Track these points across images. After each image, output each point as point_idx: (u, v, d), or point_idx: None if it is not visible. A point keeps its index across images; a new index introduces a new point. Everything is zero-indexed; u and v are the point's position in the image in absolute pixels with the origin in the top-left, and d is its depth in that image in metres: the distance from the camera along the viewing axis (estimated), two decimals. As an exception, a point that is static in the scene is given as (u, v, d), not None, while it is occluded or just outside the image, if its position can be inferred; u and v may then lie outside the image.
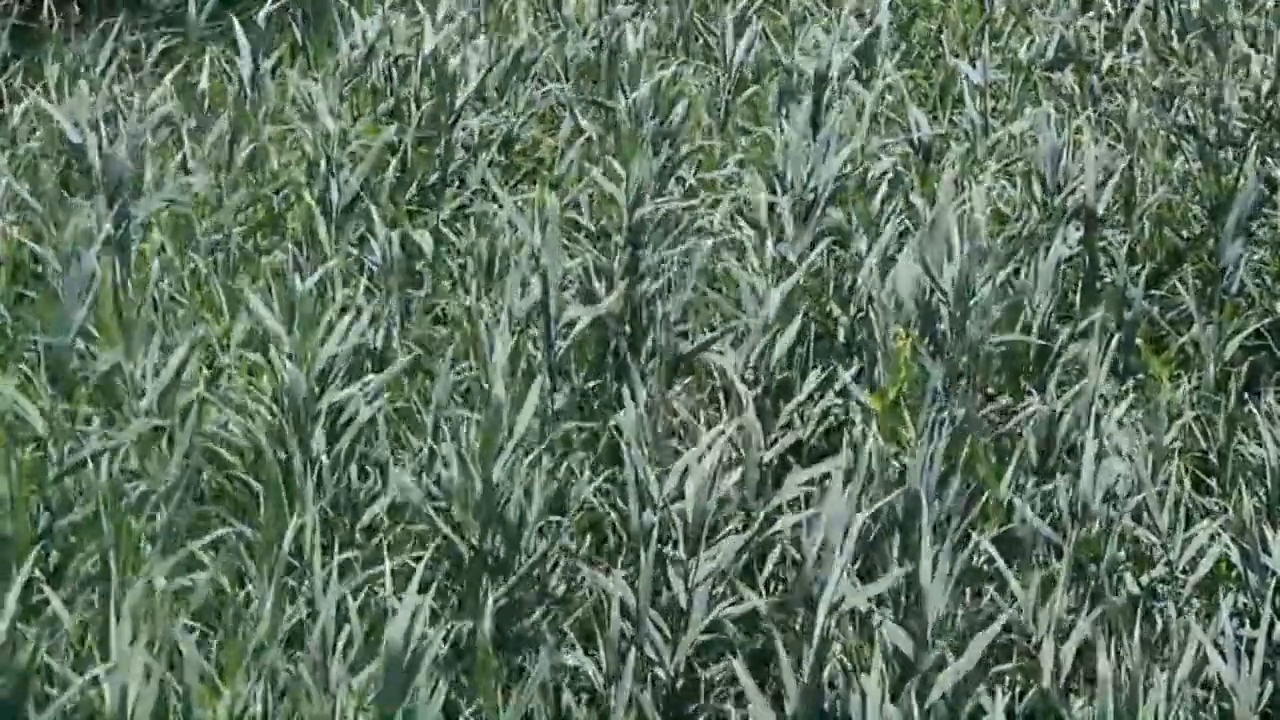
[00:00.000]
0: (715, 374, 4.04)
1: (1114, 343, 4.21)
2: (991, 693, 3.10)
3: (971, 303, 4.02)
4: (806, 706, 2.94)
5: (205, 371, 3.95)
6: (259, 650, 3.03)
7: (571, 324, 4.04)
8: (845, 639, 3.12)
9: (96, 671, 2.89)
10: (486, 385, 3.59)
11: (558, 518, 3.57)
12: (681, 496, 3.42)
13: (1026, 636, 3.26)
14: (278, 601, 3.14)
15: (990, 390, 4.13)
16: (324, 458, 3.54)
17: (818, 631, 2.94)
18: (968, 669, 3.06)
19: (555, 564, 3.51)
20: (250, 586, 3.32)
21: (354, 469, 3.66)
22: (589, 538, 3.71)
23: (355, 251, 4.52)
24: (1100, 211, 4.72)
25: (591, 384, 4.12)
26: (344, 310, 3.96)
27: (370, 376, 3.84)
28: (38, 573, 3.17)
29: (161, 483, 3.45)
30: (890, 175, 4.89)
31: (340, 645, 3.00)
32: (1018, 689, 3.27)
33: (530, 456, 3.50)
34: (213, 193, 4.80)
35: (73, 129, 4.71)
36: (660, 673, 3.21)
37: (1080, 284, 4.64)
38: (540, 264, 4.05)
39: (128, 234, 4.34)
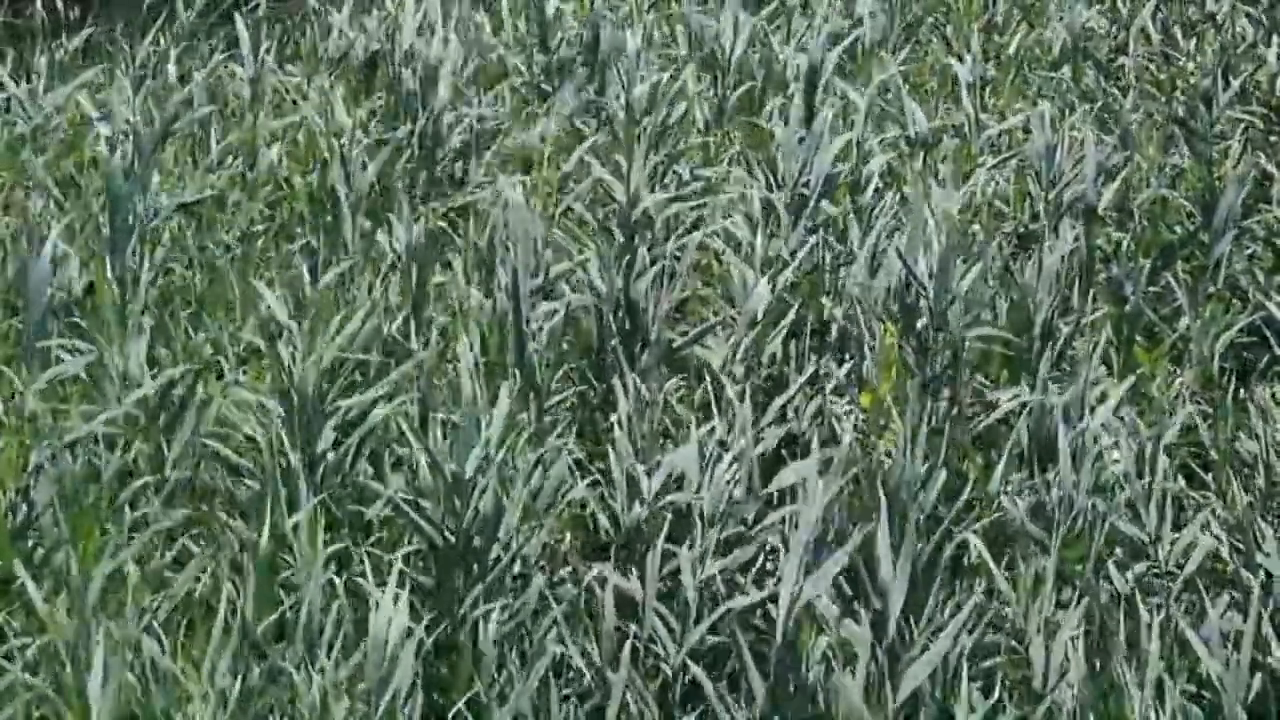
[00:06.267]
0: (705, 371, 4.02)
1: (1110, 339, 4.20)
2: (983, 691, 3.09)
3: (950, 298, 3.99)
4: (772, 703, 2.92)
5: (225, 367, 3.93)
6: (241, 641, 3.01)
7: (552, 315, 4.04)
8: (828, 633, 3.10)
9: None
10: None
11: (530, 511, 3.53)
12: (668, 491, 3.42)
13: (1016, 633, 3.24)
14: (260, 593, 3.13)
15: (980, 385, 4.11)
16: (330, 455, 3.52)
17: (780, 627, 2.92)
18: (936, 662, 3.02)
19: (539, 559, 3.48)
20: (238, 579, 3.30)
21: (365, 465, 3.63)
22: (572, 534, 3.69)
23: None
24: (1101, 207, 4.69)
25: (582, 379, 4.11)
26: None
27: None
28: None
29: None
30: (884, 170, 4.88)
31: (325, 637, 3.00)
32: (1008, 685, 3.25)
33: (504, 452, 3.45)
34: (229, 188, 4.82)
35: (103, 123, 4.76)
36: (665, 667, 3.19)
37: (1076, 280, 4.61)
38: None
39: (129, 231, 4.33)
